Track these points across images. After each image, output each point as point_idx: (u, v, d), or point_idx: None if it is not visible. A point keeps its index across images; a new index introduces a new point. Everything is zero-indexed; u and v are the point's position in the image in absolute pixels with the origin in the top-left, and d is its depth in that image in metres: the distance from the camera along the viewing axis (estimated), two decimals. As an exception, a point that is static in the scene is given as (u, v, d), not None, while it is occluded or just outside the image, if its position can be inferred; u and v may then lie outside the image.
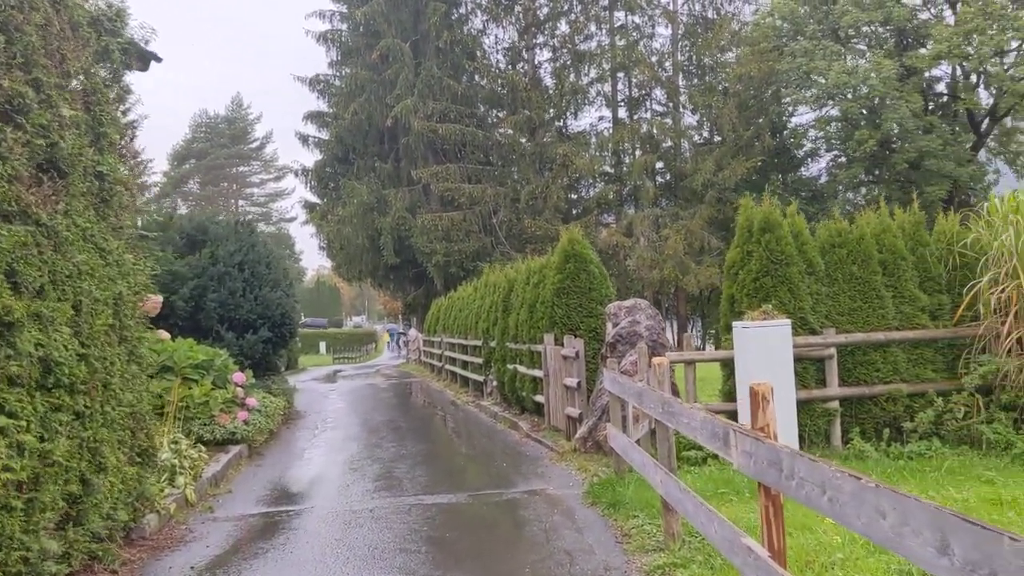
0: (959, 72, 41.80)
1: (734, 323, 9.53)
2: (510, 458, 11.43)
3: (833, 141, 41.69)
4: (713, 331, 48.40)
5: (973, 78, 41.57)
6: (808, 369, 9.75)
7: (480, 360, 19.15)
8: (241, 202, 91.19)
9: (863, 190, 43.83)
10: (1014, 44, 38.42)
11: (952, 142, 38.50)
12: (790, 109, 43.55)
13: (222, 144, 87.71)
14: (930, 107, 41.63)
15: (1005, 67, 38.59)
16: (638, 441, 8.31)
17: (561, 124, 43.82)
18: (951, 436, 9.70)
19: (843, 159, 43.35)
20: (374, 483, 10.04)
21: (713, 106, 40.70)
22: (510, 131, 41.60)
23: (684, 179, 40.46)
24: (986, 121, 42.39)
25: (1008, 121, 43.57)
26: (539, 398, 13.71)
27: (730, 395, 9.93)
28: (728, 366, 10.12)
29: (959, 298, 10.32)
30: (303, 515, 8.55)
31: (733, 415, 9.67)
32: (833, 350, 9.78)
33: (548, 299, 13.17)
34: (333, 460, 11.91)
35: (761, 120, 41.59)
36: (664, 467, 6.27)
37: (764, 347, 9.20)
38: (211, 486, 9.90)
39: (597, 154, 41.26)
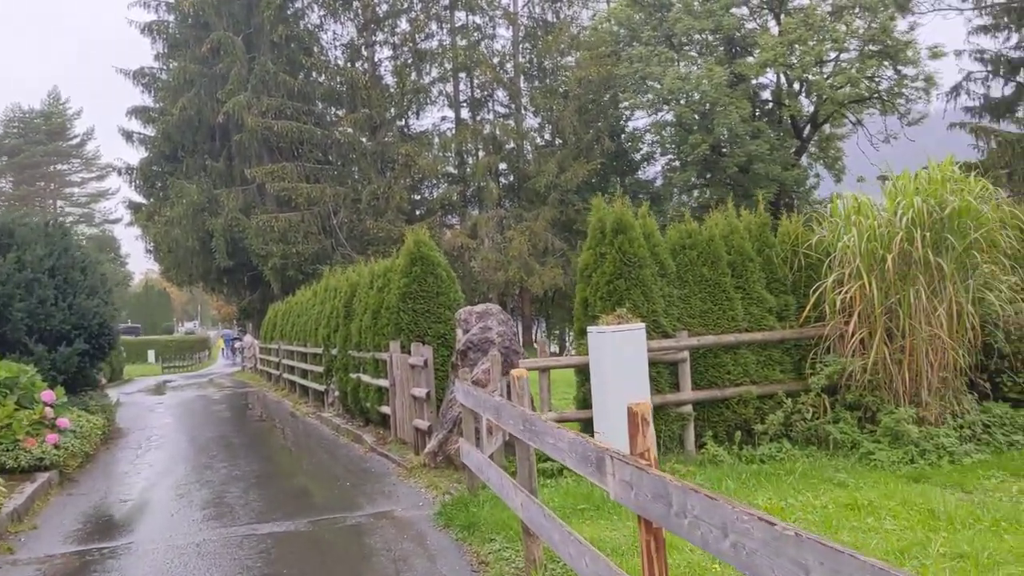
0: (783, 80, 43.89)
1: (589, 328, 9.20)
2: (354, 476, 10.71)
3: (668, 145, 42.86)
4: (557, 332, 48.90)
5: (796, 86, 43.75)
6: (662, 373, 9.54)
7: (321, 369, 18.22)
8: (60, 202, 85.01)
9: (695, 192, 45.33)
10: (832, 55, 40.62)
11: (778, 147, 40.33)
12: (628, 113, 44.47)
13: (38, 141, 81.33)
14: (757, 113, 43.49)
15: (825, 76, 40.77)
16: (492, 456, 7.80)
17: (403, 124, 43.08)
18: (800, 437, 9.72)
19: (677, 163, 44.69)
20: (203, 511, 9.10)
21: (554, 108, 41.00)
22: (350, 129, 40.50)
23: (527, 181, 40.55)
24: (808, 127, 44.68)
25: (827, 128, 46.14)
26: (385, 409, 13.02)
27: (585, 402, 9.60)
28: (583, 372, 9.79)
29: (804, 299, 10.39)
30: (120, 554, 7.56)
31: (588, 424, 9.35)
32: (686, 353, 9.61)
33: (394, 304, 12.51)
34: (158, 485, 10.82)
35: (600, 123, 42.24)
36: (525, 489, 5.78)
37: (619, 352, 8.90)
38: (12, 522, 8.69)
39: (440, 154, 40.79)
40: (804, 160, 43.98)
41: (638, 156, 46.02)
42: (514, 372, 5.89)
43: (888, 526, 6.62)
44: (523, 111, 42.31)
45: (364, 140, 40.72)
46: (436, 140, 42.15)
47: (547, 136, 44.24)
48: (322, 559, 7.13)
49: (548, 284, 38.44)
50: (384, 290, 13.36)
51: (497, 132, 41.08)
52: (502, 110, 43.34)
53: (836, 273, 9.82)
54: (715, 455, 9.28)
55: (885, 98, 43.25)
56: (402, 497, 9.14)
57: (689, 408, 9.58)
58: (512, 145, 42.30)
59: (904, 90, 42.86)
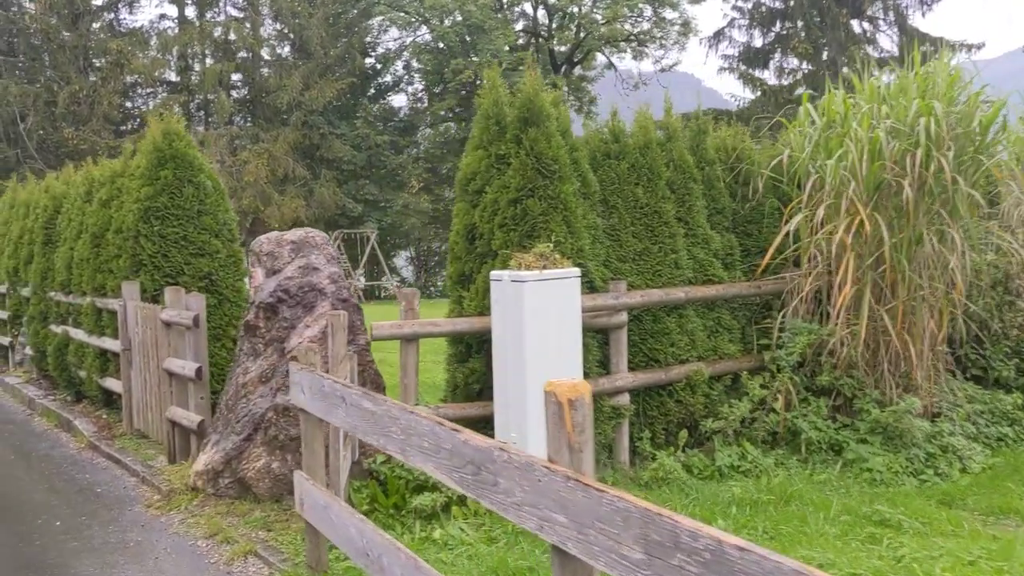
0: (542, 13, 41.74)
1: (493, 274, 5.67)
2: (69, 503, 6.49)
3: (428, 69, 39.16)
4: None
5: (555, 21, 41.73)
6: (588, 346, 6.22)
7: (5, 315, 13.06)
8: None
9: (444, 127, 42.26)
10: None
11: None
12: (382, 28, 40.31)
13: None
14: (519, 43, 40.96)
15: (588, 8, 39.01)
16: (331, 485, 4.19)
17: (113, 17, 35.88)
18: (758, 436, 6.88)
19: (431, 93, 41.27)
20: None
21: (299, 15, 35.82)
22: (44, 15, 32.83)
23: (266, 96, 35.30)
24: (564, 66, 42.91)
25: (577, 69, 44.67)
26: (112, 384, 8.67)
27: (474, 389, 6.12)
28: (463, 342, 6.28)
29: (748, 239, 7.53)
30: None
31: (482, 423, 5.89)
32: (624, 316, 6.38)
33: (130, 226, 8.17)
34: None
35: (351, 38, 37.71)
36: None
37: (542, 312, 5.50)
38: None
39: (160, 56, 34.29)
40: (566, 97, 42.12)
41: (389, 79, 41.99)
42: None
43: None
44: (260, 14, 36.64)
45: (64, 33, 33.24)
46: (154, 40, 35.45)
47: (288, 49, 38.92)
48: None
49: (289, 216, 33.72)
50: (112, 205, 8.90)
51: (230, 35, 35.26)
52: (236, 13, 37.34)
53: (812, 206, 7.00)
54: (662, 467, 6.18)
55: (642, 39, 42.44)
56: (170, 568, 5.17)
57: (626, 398, 6.38)
58: (246, 54, 36.65)
59: (661, 33, 42.25)
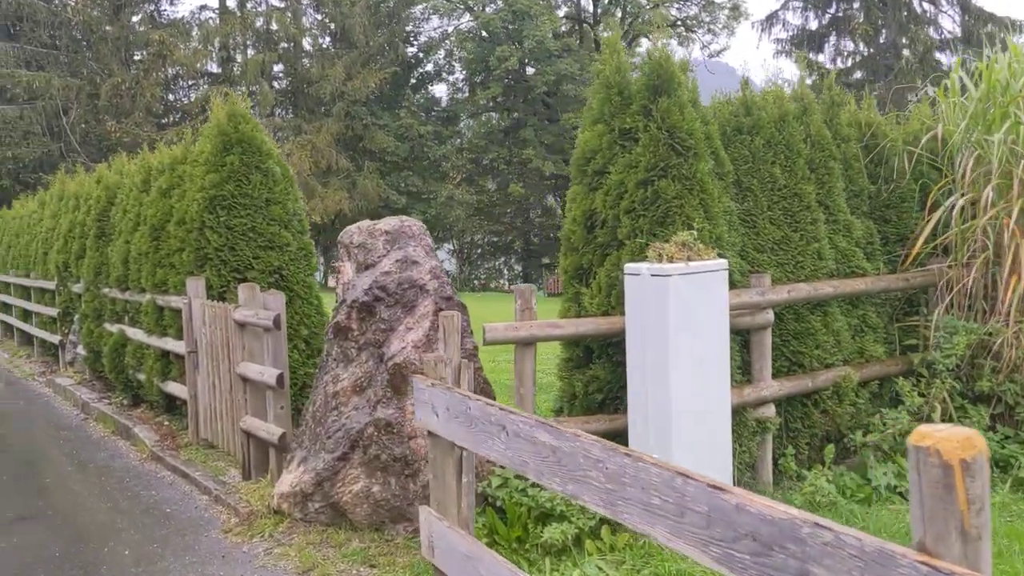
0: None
1: (627, 267, 4.85)
2: (136, 524, 5.78)
3: (470, 57, 38.34)
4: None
5: (604, 3, 40.72)
6: (731, 350, 5.38)
7: (55, 312, 12.47)
8: None
9: (486, 117, 41.49)
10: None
11: (588, 67, 37.12)
12: (424, 16, 39.60)
13: None
14: (563, 29, 40.01)
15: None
16: (459, 515, 3.44)
17: (153, 8, 35.51)
18: (900, 448, 6.01)
19: (475, 80, 40.52)
20: None
21: (341, 3, 35.19)
22: (86, 7, 32.50)
23: (309, 86, 34.76)
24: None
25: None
26: (175, 388, 7.99)
27: (595, 400, 5.32)
28: (581, 345, 5.48)
29: (886, 226, 6.65)
30: None
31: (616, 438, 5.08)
32: (770, 314, 5.54)
33: (195, 216, 7.46)
34: None
35: (393, 26, 37.04)
36: None
37: (688, 310, 4.68)
38: None
39: (202, 47, 33.83)
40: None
41: (430, 68, 41.26)
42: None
43: None
44: (302, 3, 36.07)
45: (107, 27, 32.87)
46: (196, 31, 35.04)
47: (328, 39, 38.32)
48: None
49: (332, 209, 33.29)
50: (172, 194, 8.20)
51: (272, 25, 34.75)
52: (277, 2, 36.82)
53: (974, 187, 6.11)
54: (816, 488, 5.33)
55: (690, 24, 41.33)
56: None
57: (772, 410, 5.54)
58: (287, 44, 36.13)
59: (709, 17, 41.12)
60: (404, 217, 5.73)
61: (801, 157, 6.03)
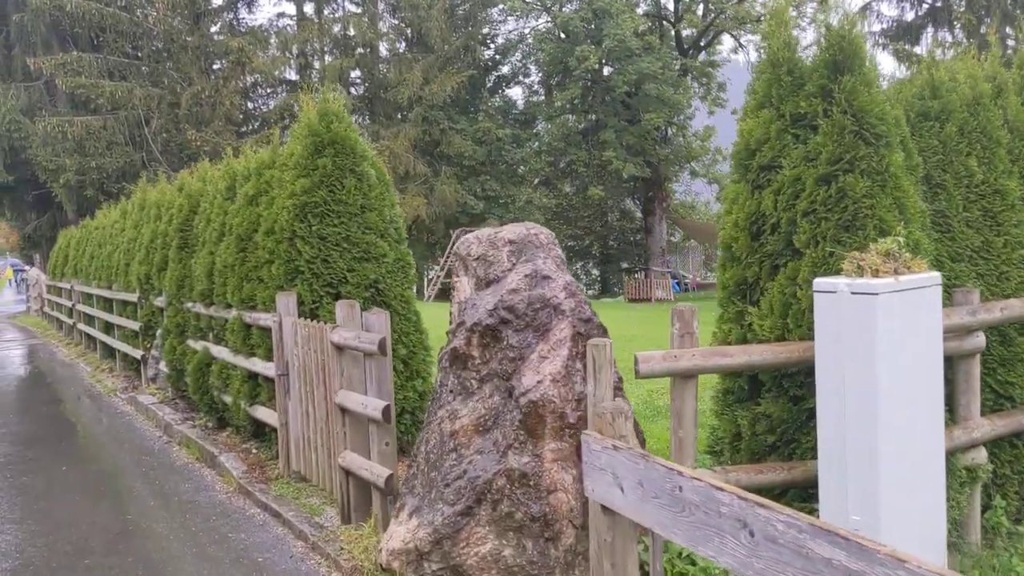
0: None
1: (820, 282, 3.92)
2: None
3: (548, 57, 37.48)
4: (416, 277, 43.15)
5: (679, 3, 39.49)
6: (930, 380, 4.41)
7: (137, 326, 12.01)
8: None
9: (571, 118, 40.53)
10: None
11: (669, 66, 36.01)
12: (501, 17, 38.92)
13: None
14: (640, 28, 38.88)
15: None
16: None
17: (232, 16, 35.54)
18: None
19: (551, 83, 39.69)
20: None
21: (418, 7, 34.73)
22: (166, 16, 32.59)
23: (385, 91, 34.37)
24: (691, 50, 40.62)
25: (703, 54, 42.19)
26: (264, 414, 7.30)
27: (762, 440, 4.40)
28: (744, 375, 4.56)
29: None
30: None
31: (785, 493, 4.19)
32: (981, 338, 4.55)
33: (285, 226, 6.78)
34: None
35: (470, 29, 36.45)
36: None
37: (900, 336, 3.74)
38: None
39: (280, 54, 33.71)
40: (691, 83, 39.81)
41: (506, 70, 40.55)
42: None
43: None
44: (378, 6, 35.72)
45: (187, 37, 32.94)
46: (274, 38, 34.95)
47: (404, 45, 37.92)
48: None
49: (409, 215, 32.74)
50: (260, 201, 7.54)
51: (350, 31, 34.48)
52: (354, 8, 36.57)
53: None
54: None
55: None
56: None
57: (983, 455, 4.55)
58: (364, 50, 35.82)
59: (796, 13, 39.52)
60: (530, 224, 4.90)
61: (1001, 146, 5.03)
